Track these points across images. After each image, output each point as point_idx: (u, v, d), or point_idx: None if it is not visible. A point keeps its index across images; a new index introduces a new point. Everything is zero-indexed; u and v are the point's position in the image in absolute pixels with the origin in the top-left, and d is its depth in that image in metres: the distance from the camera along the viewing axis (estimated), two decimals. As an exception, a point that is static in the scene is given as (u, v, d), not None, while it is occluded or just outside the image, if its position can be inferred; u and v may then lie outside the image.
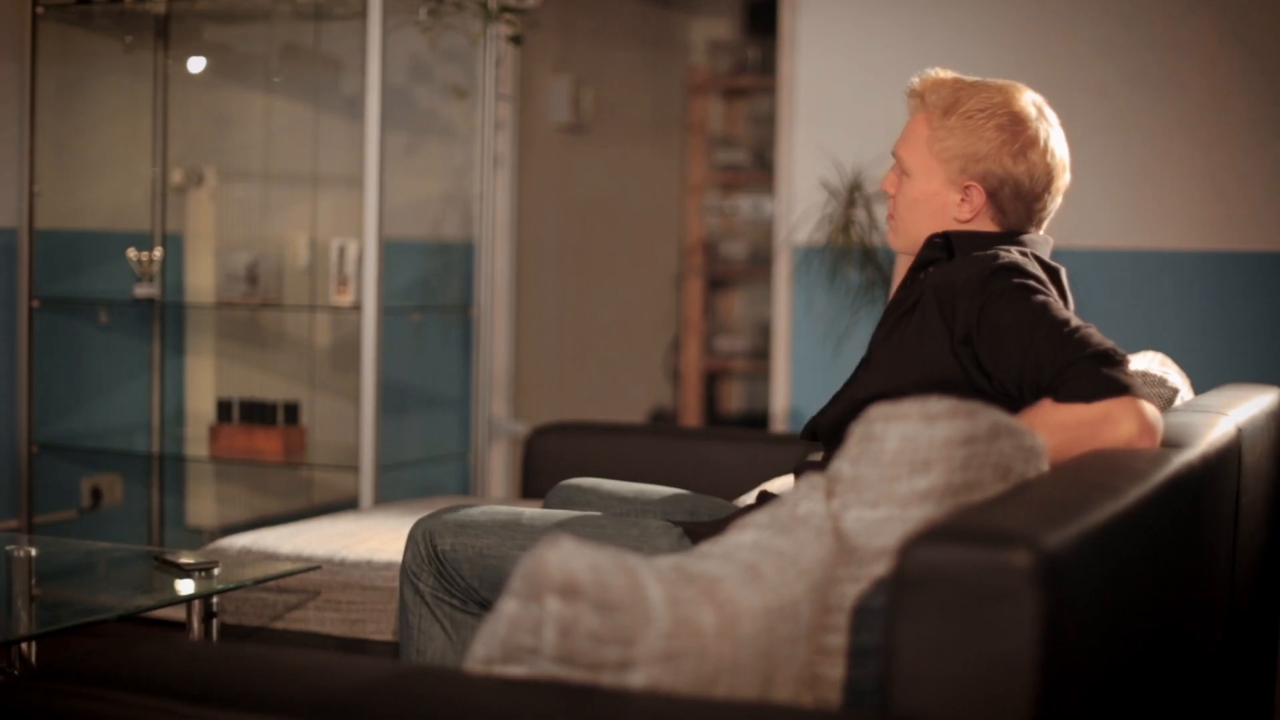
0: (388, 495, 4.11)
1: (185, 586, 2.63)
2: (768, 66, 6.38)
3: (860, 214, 4.29)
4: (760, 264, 6.42)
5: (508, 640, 1.46)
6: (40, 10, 4.06)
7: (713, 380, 6.64)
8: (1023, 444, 1.72)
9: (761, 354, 6.45)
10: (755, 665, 1.49)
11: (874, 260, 4.27)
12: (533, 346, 5.46)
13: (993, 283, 2.20)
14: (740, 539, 1.59)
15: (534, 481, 3.59)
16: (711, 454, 3.53)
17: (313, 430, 4.37)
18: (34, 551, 2.80)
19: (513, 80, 4.80)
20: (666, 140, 6.57)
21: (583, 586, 1.41)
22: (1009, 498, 1.59)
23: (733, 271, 6.56)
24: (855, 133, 4.31)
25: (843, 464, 1.64)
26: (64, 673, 1.49)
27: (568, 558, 1.41)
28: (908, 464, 1.60)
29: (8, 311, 4.09)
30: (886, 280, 4.27)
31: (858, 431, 1.64)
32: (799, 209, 4.38)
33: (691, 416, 6.45)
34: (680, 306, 6.55)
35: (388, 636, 2.93)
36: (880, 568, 1.60)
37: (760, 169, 6.45)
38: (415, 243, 4.52)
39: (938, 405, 1.61)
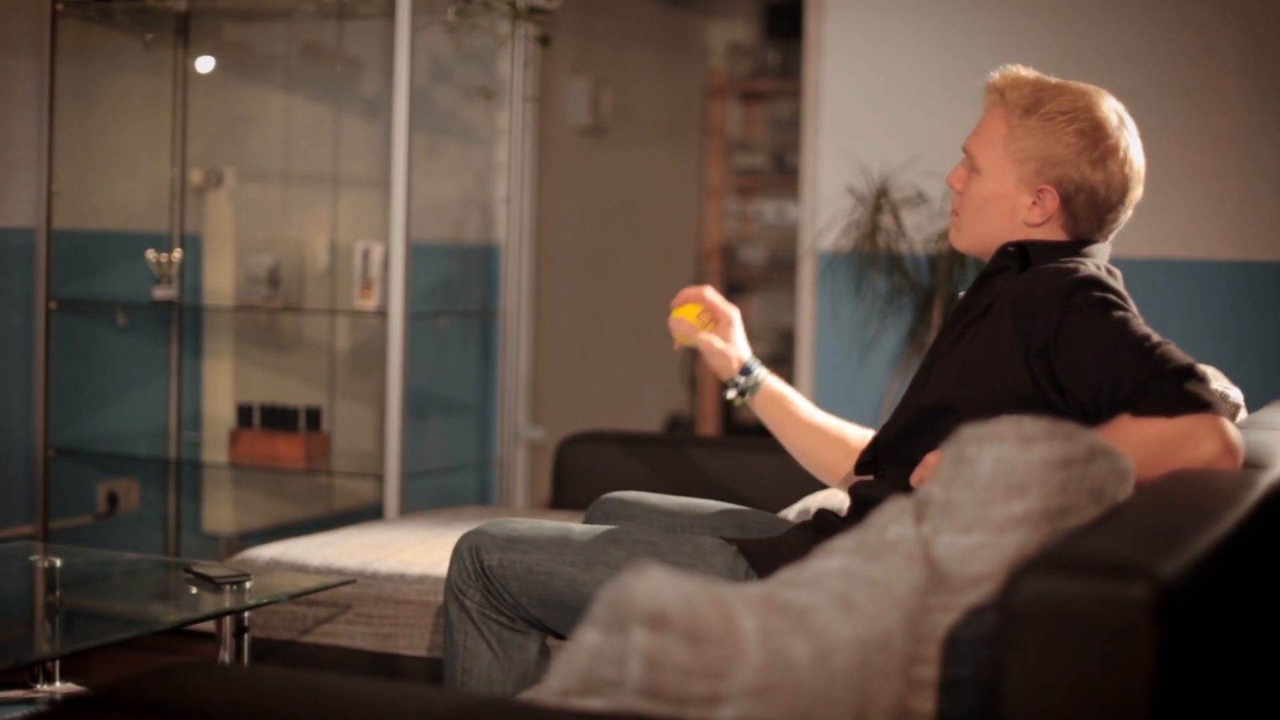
0: (408, 504, 4.02)
1: (219, 601, 2.55)
2: (786, 70, 6.31)
3: (887, 220, 4.22)
4: (778, 269, 6.34)
5: (588, 672, 1.38)
6: (60, 7, 3.97)
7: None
8: (1116, 466, 1.64)
9: (780, 360, 6.37)
10: (849, 699, 1.42)
11: (901, 267, 4.20)
12: (549, 351, 5.39)
13: (1073, 296, 2.14)
14: (827, 565, 1.51)
15: (564, 492, 3.51)
16: (745, 465, 3.45)
17: (331, 436, 4.28)
18: (58, 562, 2.71)
19: (533, 82, 4.72)
20: (685, 143, 6.49)
21: (672, 617, 1.34)
22: (1110, 524, 1.52)
23: (750, 277, 6.49)
24: (881, 138, 4.24)
25: (933, 487, 1.56)
26: (118, 701, 1.41)
27: (657, 587, 1.34)
28: (1003, 487, 1.52)
29: (25, 313, 4.01)
30: (913, 288, 4.21)
31: (949, 453, 1.56)
32: (824, 215, 4.30)
33: (708, 423, 6.37)
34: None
35: (421, 652, 2.85)
36: (974, 596, 1.52)
37: (779, 173, 6.38)
38: (434, 245, 4.44)
39: (1033, 426, 1.54)
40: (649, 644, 1.34)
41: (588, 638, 1.39)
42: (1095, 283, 2.17)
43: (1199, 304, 3.99)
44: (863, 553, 1.52)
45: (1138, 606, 1.30)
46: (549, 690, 1.43)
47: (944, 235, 4.11)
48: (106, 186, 4.26)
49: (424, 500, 4.23)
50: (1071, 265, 2.23)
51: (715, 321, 2.67)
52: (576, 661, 1.40)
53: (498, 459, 4.35)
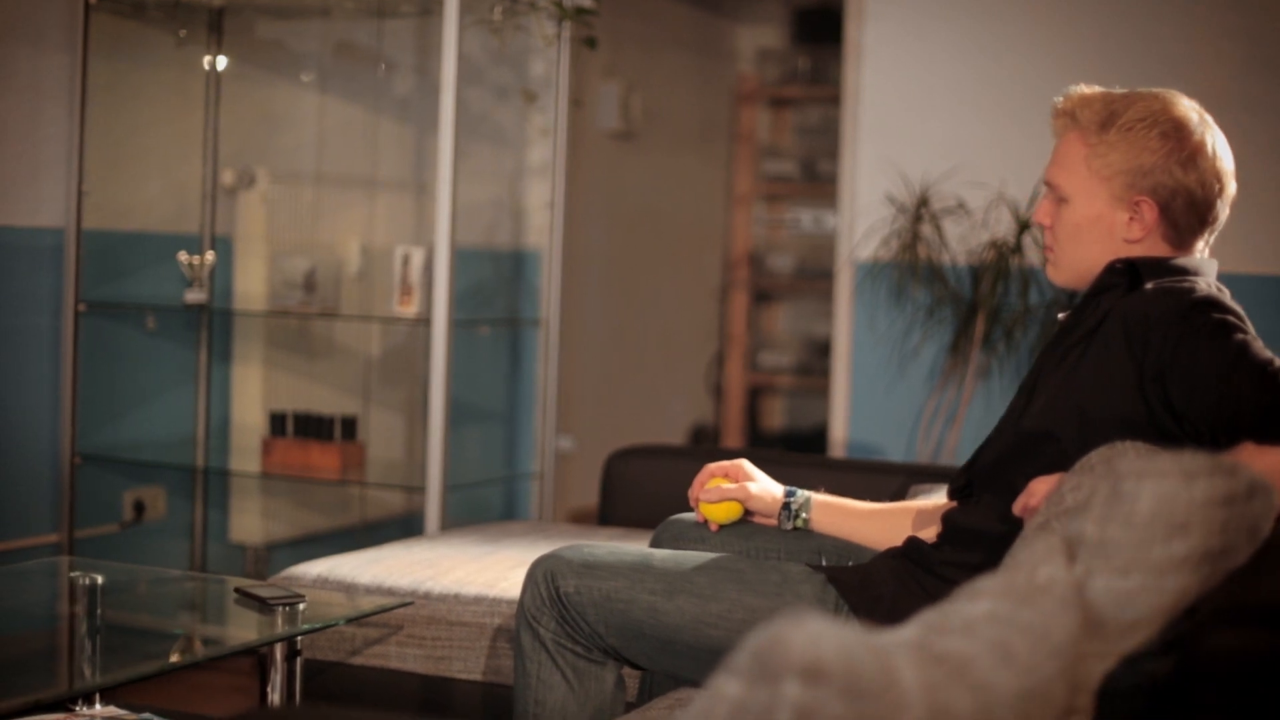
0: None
1: (272, 623, 2.44)
2: (817, 76, 6.21)
3: (927, 230, 4.12)
4: (806, 278, 6.24)
5: (728, 724, 1.28)
6: (93, 1, 3.86)
7: (755, 396, 6.46)
8: (1270, 502, 1.54)
9: (806, 370, 6.27)
10: (1008, 758, 1.31)
11: (941, 278, 4.10)
12: (573, 359, 5.28)
13: (1191, 318, 2.03)
14: (974, 609, 1.40)
15: (613, 507, 3.40)
16: (800, 480, 3.34)
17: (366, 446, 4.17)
18: (100, 579, 2.59)
19: (573, 84, 4.62)
20: (714, 149, 6.39)
21: (830, 670, 1.23)
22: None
23: (777, 285, 6.39)
24: (921, 146, 4.15)
25: (1086, 524, 1.46)
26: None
27: (816, 638, 1.23)
28: (1164, 526, 1.42)
29: (53, 315, 3.90)
30: (954, 300, 4.11)
31: (1103, 490, 1.46)
32: (862, 224, 4.20)
33: (733, 433, 6.27)
34: (724, 320, 6.37)
35: (475, 676, 2.74)
36: (1130, 643, 1.42)
37: (808, 180, 6.28)
38: (465, 250, 4.33)
39: (1195, 461, 1.43)
40: (803, 697, 1.23)
41: (729, 688, 1.28)
42: (1213, 303, 2.07)
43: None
44: (1012, 596, 1.41)
45: (1339, 664, 1.20)
46: (680, 741, 1.32)
47: (988, 246, 4.02)
48: (137, 186, 4.15)
49: (456, 513, 4.12)
50: (1186, 285, 2.12)
51: (732, 478, 2.46)
52: (715, 713, 1.29)
53: (537, 472, 4.24)
